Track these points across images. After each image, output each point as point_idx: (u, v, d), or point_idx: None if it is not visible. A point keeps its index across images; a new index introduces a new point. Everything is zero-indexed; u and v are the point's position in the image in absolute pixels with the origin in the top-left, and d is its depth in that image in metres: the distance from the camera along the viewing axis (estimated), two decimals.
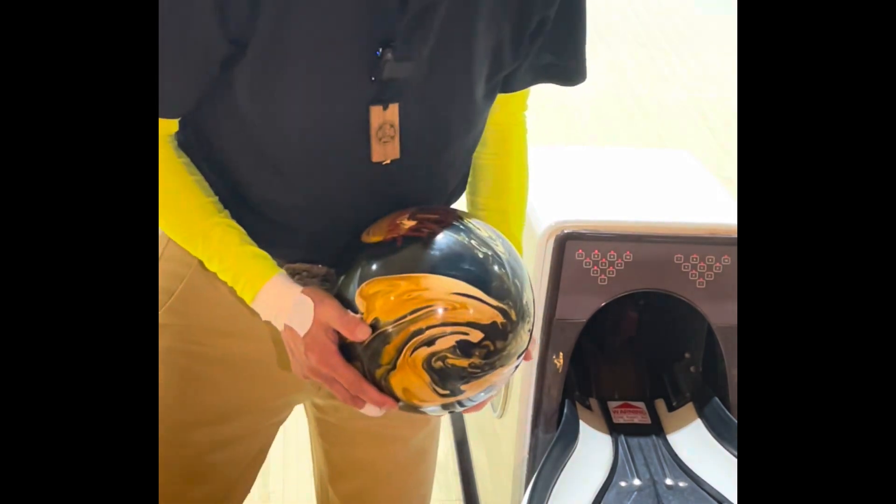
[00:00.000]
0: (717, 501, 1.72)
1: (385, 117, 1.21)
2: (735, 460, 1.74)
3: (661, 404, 1.97)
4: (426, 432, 1.52)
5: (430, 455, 1.56)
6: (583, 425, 1.84)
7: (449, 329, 1.15)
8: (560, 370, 1.82)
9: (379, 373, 1.18)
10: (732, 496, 1.70)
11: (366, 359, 1.18)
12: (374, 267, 1.18)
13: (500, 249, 1.21)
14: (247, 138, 1.22)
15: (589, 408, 1.94)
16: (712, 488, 1.74)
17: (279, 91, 1.17)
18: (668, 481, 1.77)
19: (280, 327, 1.23)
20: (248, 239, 1.24)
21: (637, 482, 1.77)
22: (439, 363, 1.16)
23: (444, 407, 1.23)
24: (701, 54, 4.88)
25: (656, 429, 1.91)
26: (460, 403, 1.23)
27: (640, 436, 1.89)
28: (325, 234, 1.27)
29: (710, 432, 1.82)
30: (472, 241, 1.19)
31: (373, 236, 1.21)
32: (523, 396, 1.84)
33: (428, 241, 1.18)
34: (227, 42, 1.14)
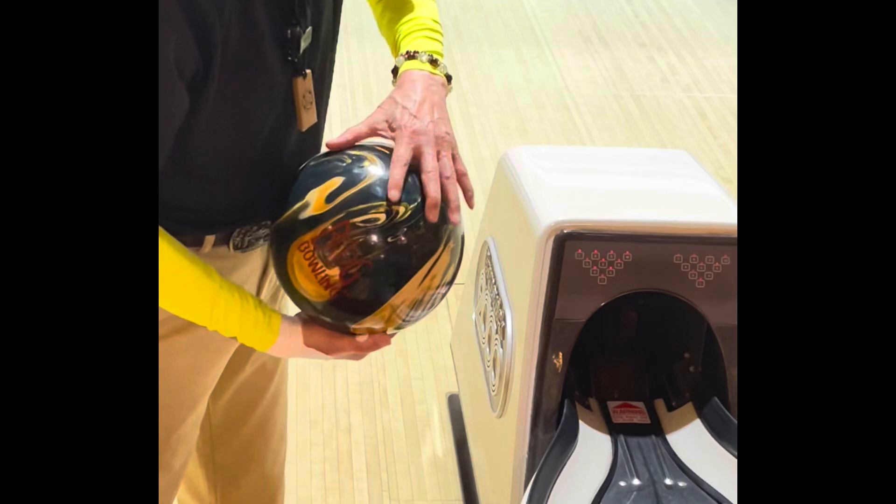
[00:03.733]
0: (717, 501, 1.72)
1: (305, 86, 1.32)
2: (735, 460, 1.74)
3: (660, 404, 1.97)
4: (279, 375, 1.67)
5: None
6: (582, 425, 1.84)
7: (438, 290, 1.32)
8: (559, 370, 1.82)
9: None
10: (732, 496, 1.70)
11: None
12: (346, 317, 1.31)
13: (399, 209, 1.27)
14: (211, 140, 1.27)
15: (588, 408, 1.94)
16: (712, 488, 1.74)
17: (236, 101, 1.25)
18: (668, 481, 1.77)
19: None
20: (246, 295, 1.31)
21: (636, 482, 1.77)
22: (441, 299, 1.35)
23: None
24: (701, 54, 4.87)
25: (656, 429, 1.91)
26: None
27: (639, 436, 1.89)
28: (261, 196, 1.34)
29: (709, 432, 1.82)
30: (388, 237, 1.26)
31: (312, 293, 1.29)
32: (523, 396, 1.84)
33: (367, 278, 1.27)
34: (186, 93, 1.20)
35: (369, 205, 1.26)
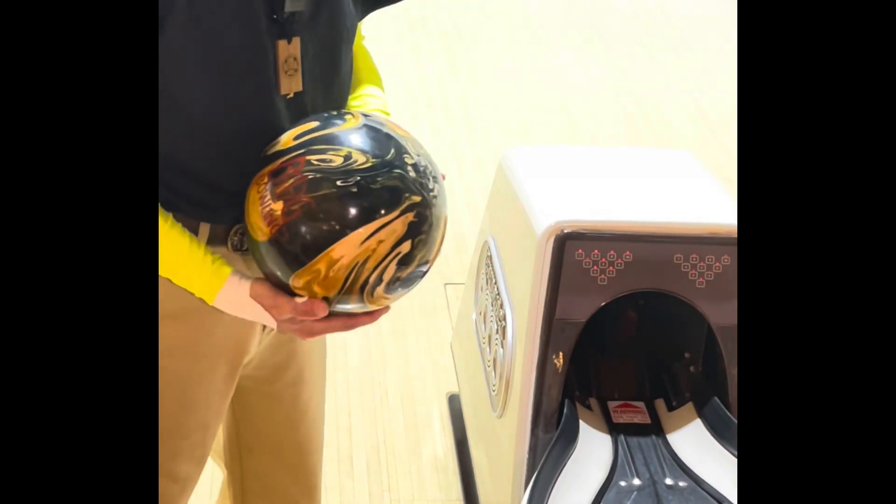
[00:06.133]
0: (717, 501, 1.72)
1: (289, 51, 1.30)
2: (735, 460, 1.74)
3: (660, 404, 1.97)
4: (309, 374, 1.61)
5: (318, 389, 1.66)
6: (583, 425, 1.84)
7: (384, 263, 1.24)
8: (560, 370, 1.82)
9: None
10: (732, 496, 1.70)
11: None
12: (285, 262, 1.26)
13: (359, 157, 1.24)
14: (192, 90, 1.26)
15: (589, 407, 1.94)
16: (712, 488, 1.74)
17: (200, 45, 1.24)
18: (668, 481, 1.77)
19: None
20: (199, 242, 1.30)
21: (637, 482, 1.77)
22: (396, 281, 1.27)
23: None
24: (701, 54, 4.88)
25: (656, 428, 1.91)
26: None
27: (639, 435, 1.89)
28: (241, 179, 1.31)
29: (709, 432, 1.82)
30: (337, 180, 1.23)
31: (258, 231, 1.26)
32: (523, 396, 1.84)
33: (307, 217, 1.23)
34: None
35: (331, 146, 1.24)
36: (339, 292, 1.26)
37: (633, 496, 1.74)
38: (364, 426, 2.66)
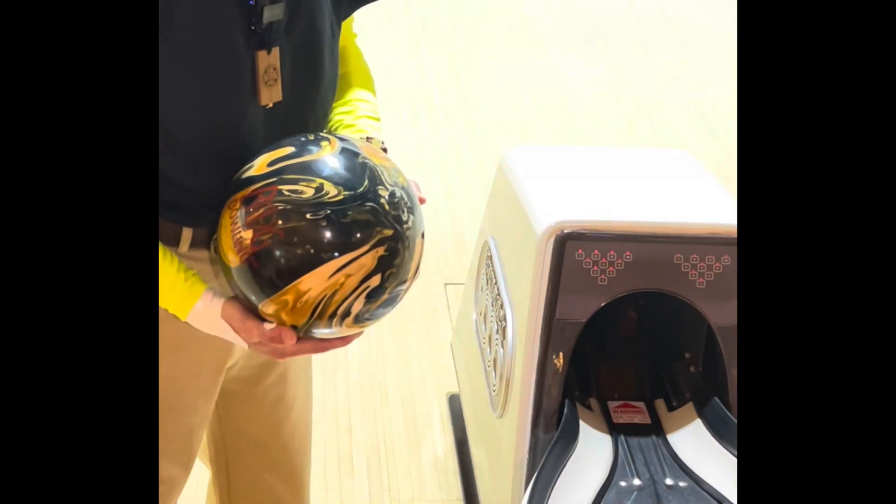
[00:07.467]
0: (717, 501, 1.72)
1: (269, 61, 1.29)
2: (735, 460, 1.74)
3: (661, 404, 1.97)
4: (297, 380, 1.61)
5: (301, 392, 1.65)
6: (583, 425, 1.84)
7: (352, 296, 1.23)
8: (560, 370, 1.82)
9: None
10: (732, 496, 1.70)
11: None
12: (254, 290, 1.25)
13: (330, 189, 1.22)
14: (171, 98, 1.25)
15: (589, 408, 1.94)
16: (712, 488, 1.74)
17: (175, 54, 1.23)
18: (668, 481, 1.77)
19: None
20: (172, 257, 1.30)
21: (637, 482, 1.77)
22: (367, 314, 1.26)
23: None
24: (701, 54, 4.87)
25: (656, 429, 1.91)
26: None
27: (640, 436, 1.89)
28: (222, 187, 1.30)
29: (710, 432, 1.82)
30: (307, 212, 1.21)
31: (229, 255, 1.25)
32: (523, 396, 1.84)
33: (276, 248, 1.22)
34: None
35: (303, 177, 1.22)
36: (308, 321, 1.25)
37: (633, 496, 1.74)
38: (364, 426, 2.66)
